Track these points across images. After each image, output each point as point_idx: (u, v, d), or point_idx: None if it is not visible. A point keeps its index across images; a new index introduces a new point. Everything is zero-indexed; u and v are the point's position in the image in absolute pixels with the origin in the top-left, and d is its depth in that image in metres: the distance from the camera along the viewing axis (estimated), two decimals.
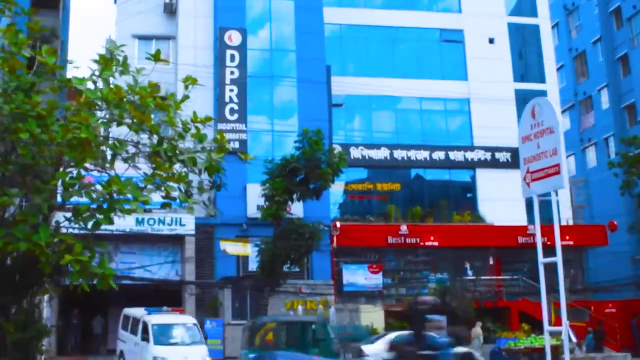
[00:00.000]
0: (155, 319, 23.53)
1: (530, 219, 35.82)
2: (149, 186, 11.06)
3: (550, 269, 13.64)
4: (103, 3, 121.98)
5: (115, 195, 10.05)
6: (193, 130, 11.42)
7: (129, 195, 10.29)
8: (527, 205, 35.72)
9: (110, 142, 10.77)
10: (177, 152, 11.48)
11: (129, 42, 35.45)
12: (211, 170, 11.80)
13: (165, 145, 11.29)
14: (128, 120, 10.72)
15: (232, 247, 27.49)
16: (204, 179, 12.18)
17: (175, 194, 12.09)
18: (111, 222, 10.05)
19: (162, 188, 11.49)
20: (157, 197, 11.60)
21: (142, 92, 10.82)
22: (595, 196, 46.91)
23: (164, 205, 11.86)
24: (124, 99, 10.55)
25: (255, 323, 24.18)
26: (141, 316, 23.82)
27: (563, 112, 51.30)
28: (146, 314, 23.95)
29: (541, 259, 13.98)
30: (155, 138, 11.16)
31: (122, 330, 25.46)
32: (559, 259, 13.19)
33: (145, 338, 22.90)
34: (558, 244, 13.36)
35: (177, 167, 11.43)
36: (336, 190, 35.39)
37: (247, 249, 27.86)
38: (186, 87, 11.95)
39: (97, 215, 9.99)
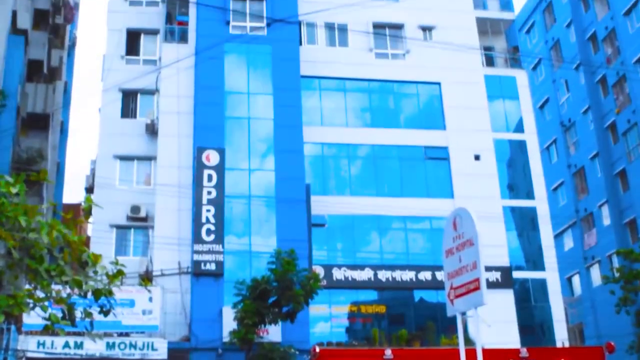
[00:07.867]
0: None
1: (524, 342, 34.18)
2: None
3: None
4: (90, 121, 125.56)
5: None
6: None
7: None
8: (520, 327, 34.26)
9: None
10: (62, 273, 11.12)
11: (110, 162, 35.58)
12: (97, 294, 11.43)
13: (46, 264, 10.98)
14: None
15: None
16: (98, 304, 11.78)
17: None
18: None
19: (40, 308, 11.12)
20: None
21: (16, 210, 10.47)
22: (602, 316, 45.09)
23: (45, 328, 11.37)
24: None
25: None
26: None
27: (565, 230, 50.19)
28: None
29: None
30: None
31: None
32: None
33: None
34: None
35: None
36: (324, 313, 34.26)
37: None
38: (86, 208, 11.69)
39: None
